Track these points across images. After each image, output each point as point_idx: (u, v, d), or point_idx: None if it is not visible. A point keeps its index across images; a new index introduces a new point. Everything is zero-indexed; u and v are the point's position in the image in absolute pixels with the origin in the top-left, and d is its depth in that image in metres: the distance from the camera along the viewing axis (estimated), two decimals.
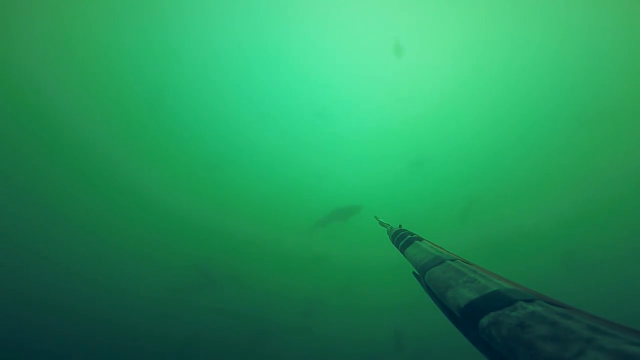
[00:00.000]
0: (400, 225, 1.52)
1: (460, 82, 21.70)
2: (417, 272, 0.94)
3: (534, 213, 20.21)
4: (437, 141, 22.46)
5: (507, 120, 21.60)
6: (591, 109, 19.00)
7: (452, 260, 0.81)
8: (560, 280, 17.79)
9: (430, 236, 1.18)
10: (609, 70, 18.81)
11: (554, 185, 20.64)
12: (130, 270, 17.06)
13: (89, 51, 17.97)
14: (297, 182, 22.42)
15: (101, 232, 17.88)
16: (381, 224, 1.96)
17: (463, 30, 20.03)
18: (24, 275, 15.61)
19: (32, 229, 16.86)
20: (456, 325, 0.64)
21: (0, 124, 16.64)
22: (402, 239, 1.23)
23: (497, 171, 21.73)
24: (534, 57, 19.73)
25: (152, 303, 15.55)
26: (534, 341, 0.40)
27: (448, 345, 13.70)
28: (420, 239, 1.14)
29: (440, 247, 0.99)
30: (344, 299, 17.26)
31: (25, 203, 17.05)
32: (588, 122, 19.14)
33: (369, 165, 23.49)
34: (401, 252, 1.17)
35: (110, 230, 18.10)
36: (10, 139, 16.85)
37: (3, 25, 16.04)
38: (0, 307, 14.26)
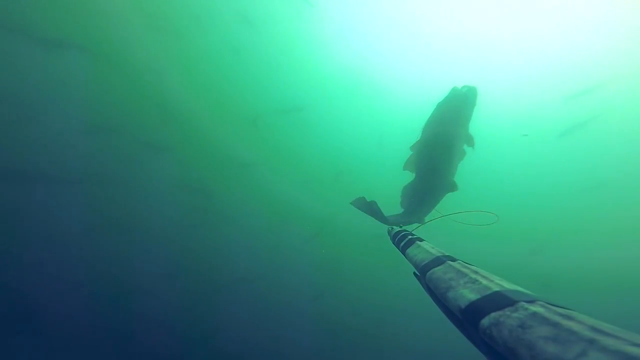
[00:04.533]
0: (401, 226, 1.53)
1: None
2: (417, 273, 0.94)
3: None
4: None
5: None
6: None
7: (452, 261, 0.81)
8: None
9: None
10: None
11: None
12: None
13: None
14: None
15: None
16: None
17: None
18: None
19: None
20: (457, 326, 0.64)
21: None
22: (403, 240, 1.23)
23: None
24: None
25: None
26: (535, 342, 0.39)
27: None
28: (421, 240, 1.14)
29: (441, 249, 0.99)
30: None
31: None
32: None
33: None
34: (402, 252, 1.17)
35: None
36: None
37: None
38: None
